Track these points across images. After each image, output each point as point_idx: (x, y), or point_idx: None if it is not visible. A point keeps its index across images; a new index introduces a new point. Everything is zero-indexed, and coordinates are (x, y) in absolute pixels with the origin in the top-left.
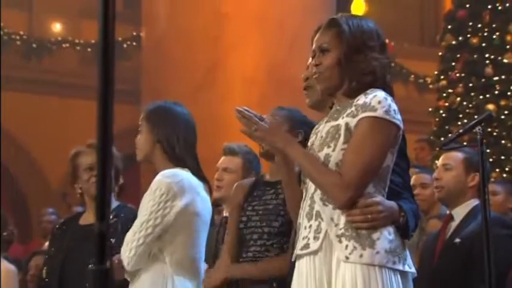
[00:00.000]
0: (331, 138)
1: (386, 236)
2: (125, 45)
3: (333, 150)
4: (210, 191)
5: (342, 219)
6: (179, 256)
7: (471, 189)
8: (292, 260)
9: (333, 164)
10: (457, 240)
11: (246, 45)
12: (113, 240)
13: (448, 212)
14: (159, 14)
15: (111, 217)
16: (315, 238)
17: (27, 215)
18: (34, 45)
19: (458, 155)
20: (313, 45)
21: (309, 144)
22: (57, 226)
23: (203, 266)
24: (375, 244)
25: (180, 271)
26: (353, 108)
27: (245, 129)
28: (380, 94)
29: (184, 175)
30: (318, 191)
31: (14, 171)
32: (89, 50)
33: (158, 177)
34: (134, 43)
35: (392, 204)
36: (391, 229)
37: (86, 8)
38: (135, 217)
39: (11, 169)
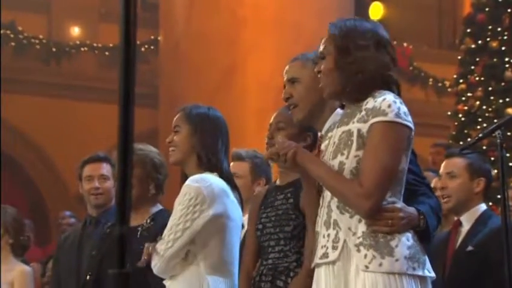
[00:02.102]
0: (344, 145)
1: (404, 243)
2: (142, 49)
3: (347, 157)
4: (240, 198)
5: (360, 228)
6: (213, 260)
7: (477, 195)
8: (311, 266)
9: (348, 172)
10: (470, 248)
11: (263, 49)
12: (146, 245)
13: (455, 218)
14: (177, 17)
15: (148, 221)
16: (334, 248)
17: (46, 218)
18: (53, 49)
19: (461, 161)
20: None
21: (322, 147)
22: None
23: (237, 269)
24: (394, 252)
25: (214, 273)
26: (363, 113)
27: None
28: (389, 97)
29: (213, 179)
30: (335, 199)
31: (34, 174)
32: (107, 53)
33: (187, 182)
34: (152, 47)
35: (412, 210)
36: (409, 235)
37: (104, 12)
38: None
39: (30, 172)
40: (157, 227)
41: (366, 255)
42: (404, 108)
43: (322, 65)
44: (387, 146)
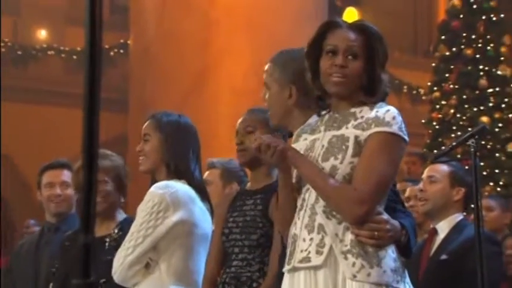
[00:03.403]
0: (337, 149)
1: (390, 255)
2: (111, 53)
3: (341, 162)
4: (211, 209)
5: (347, 235)
6: (177, 268)
7: (456, 203)
8: (284, 271)
9: (341, 177)
10: (444, 256)
11: (236, 52)
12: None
13: (431, 226)
14: (147, 20)
15: (116, 231)
16: (318, 252)
17: (12, 226)
18: (19, 52)
19: (444, 168)
20: (335, 41)
21: (302, 150)
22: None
23: (201, 279)
24: (382, 263)
25: (178, 283)
26: (361, 120)
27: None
28: (393, 109)
29: (179, 186)
30: (320, 203)
31: None
32: (74, 57)
33: (152, 188)
34: (121, 50)
35: (396, 223)
36: (393, 247)
37: (71, 15)
38: None
39: None
40: (125, 237)
41: (354, 264)
42: (403, 123)
43: (351, 64)
44: (387, 156)
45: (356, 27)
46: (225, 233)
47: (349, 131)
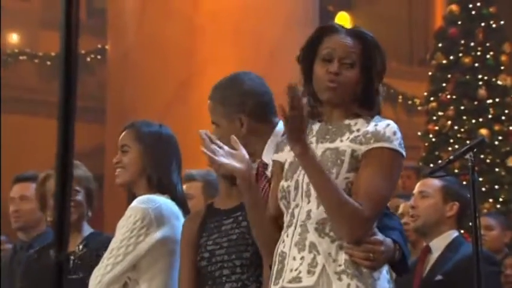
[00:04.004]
0: (332, 163)
1: (385, 276)
2: (88, 59)
3: (336, 178)
4: None
5: (341, 255)
6: (157, 285)
7: (449, 220)
8: None
9: None
10: (439, 277)
11: (222, 60)
12: (81, 274)
13: (424, 244)
14: (127, 24)
15: (80, 247)
16: (310, 272)
17: None
18: None
19: (436, 182)
20: (332, 46)
21: (278, 159)
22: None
23: None
24: (377, 284)
25: None
26: (357, 134)
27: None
28: (393, 124)
29: (162, 201)
30: (313, 220)
31: None
32: (49, 63)
33: (134, 203)
34: (99, 56)
35: (389, 242)
36: (387, 268)
37: (45, 17)
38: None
39: None
40: (91, 254)
41: (349, 285)
42: (402, 138)
43: (347, 72)
44: (388, 173)
45: (354, 33)
46: (205, 257)
47: (345, 144)
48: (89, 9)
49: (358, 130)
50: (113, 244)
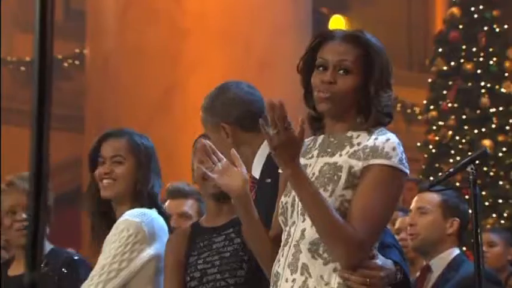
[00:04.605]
0: (328, 180)
1: None
2: (65, 64)
3: (330, 195)
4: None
5: (334, 278)
6: None
7: (450, 237)
8: None
9: None
10: None
11: (208, 66)
12: None
13: (424, 262)
14: (107, 28)
15: (42, 266)
16: None
17: None
18: None
19: (435, 197)
20: (326, 55)
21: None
22: None
23: None
24: None
25: None
26: (356, 148)
27: (268, 133)
28: (393, 138)
29: (154, 215)
30: (306, 240)
31: None
32: (22, 68)
33: (125, 216)
34: (77, 62)
35: (390, 265)
36: None
37: (19, 20)
38: (70, 264)
39: None
40: (53, 272)
41: None
42: (404, 153)
43: (341, 79)
44: (386, 193)
45: (351, 38)
46: (196, 277)
47: (343, 159)
48: (66, 11)
49: (358, 144)
50: (104, 260)
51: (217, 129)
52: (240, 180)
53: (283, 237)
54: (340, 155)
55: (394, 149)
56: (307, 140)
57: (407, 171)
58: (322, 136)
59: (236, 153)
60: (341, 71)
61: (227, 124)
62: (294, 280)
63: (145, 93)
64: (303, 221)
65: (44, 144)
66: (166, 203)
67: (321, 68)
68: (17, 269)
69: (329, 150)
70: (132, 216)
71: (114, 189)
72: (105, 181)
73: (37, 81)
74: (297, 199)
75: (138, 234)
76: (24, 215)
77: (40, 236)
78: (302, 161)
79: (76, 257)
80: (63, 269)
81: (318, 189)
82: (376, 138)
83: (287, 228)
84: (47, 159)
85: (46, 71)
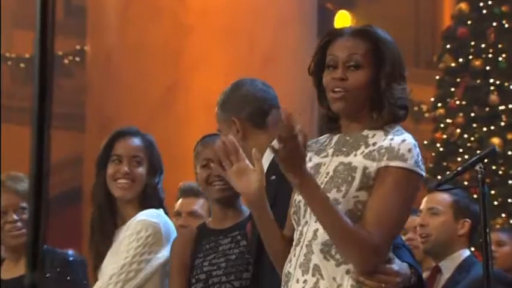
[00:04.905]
0: (342, 180)
1: None
2: (66, 61)
3: (344, 196)
4: None
5: (346, 280)
6: None
7: (461, 238)
8: None
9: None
10: None
11: (212, 62)
12: None
13: (433, 263)
14: (108, 24)
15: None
16: None
17: None
18: None
19: (446, 198)
20: (336, 52)
21: None
22: None
23: None
24: None
25: None
26: (371, 148)
27: (276, 144)
28: (409, 139)
29: (166, 217)
30: (318, 240)
31: None
32: (22, 65)
33: (142, 216)
34: (77, 58)
35: (405, 269)
36: None
37: (19, 16)
38: (64, 264)
39: None
40: (47, 273)
41: None
42: (420, 154)
43: (352, 75)
44: (402, 197)
45: (360, 33)
46: (201, 279)
47: (358, 159)
48: (67, 7)
49: (374, 144)
50: (124, 260)
51: (229, 124)
52: (255, 184)
53: (296, 236)
54: (355, 155)
55: (410, 150)
56: (321, 138)
57: (423, 174)
58: (338, 135)
59: (257, 154)
60: (352, 67)
61: (238, 120)
62: (305, 281)
63: (147, 91)
64: (316, 221)
65: (44, 143)
66: (179, 202)
67: (331, 68)
68: (9, 272)
69: (344, 149)
70: (148, 217)
71: (131, 191)
72: (122, 181)
73: (38, 78)
74: None
75: (156, 235)
76: (15, 216)
77: (41, 236)
78: (316, 159)
79: (71, 258)
80: (57, 269)
81: (327, 196)
82: (392, 139)
83: (299, 228)
84: (48, 157)
85: (47, 68)
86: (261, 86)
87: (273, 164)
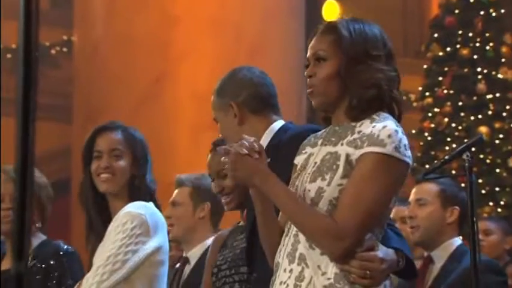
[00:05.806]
0: (327, 168)
1: None
2: (53, 51)
3: (328, 184)
4: None
5: (331, 267)
6: None
7: (450, 226)
8: None
9: (326, 201)
10: None
11: (199, 53)
12: None
13: (425, 253)
14: (95, 15)
15: (29, 260)
16: (296, 286)
17: None
18: None
19: (433, 187)
20: (308, 53)
21: (295, 162)
22: None
23: None
24: None
25: None
26: (356, 136)
27: (228, 172)
28: (390, 125)
29: (154, 209)
30: None
31: None
32: (9, 56)
33: (128, 209)
34: (64, 49)
35: (391, 255)
36: (388, 282)
37: (4, 5)
38: (58, 255)
39: None
40: (43, 265)
41: None
42: (405, 140)
43: (318, 69)
44: (377, 183)
45: (326, 28)
46: (214, 272)
47: (342, 148)
48: None
49: (359, 132)
50: (110, 251)
51: (226, 110)
52: (249, 172)
53: (286, 227)
54: (342, 144)
55: (389, 136)
56: (321, 131)
57: (407, 160)
58: (330, 127)
59: (259, 143)
60: (320, 62)
61: (236, 104)
62: (291, 270)
63: (134, 82)
64: None
65: (30, 134)
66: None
67: (306, 67)
68: (6, 262)
69: (333, 139)
70: (134, 209)
71: (114, 184)
72: (103, 175)
73: (22, 69)
74: (298, 189)
75: (141, 226)
76: (10, 205)
77: (27, 225)
78: (308, 150)
79: (65, 249)
80: (51, 261)
81: (287, 188)
82: (373, 126)
83: (288, 220)
84: (33, 149)
85: (31, 59)
86: (258, 73)
87: (268, 148)
